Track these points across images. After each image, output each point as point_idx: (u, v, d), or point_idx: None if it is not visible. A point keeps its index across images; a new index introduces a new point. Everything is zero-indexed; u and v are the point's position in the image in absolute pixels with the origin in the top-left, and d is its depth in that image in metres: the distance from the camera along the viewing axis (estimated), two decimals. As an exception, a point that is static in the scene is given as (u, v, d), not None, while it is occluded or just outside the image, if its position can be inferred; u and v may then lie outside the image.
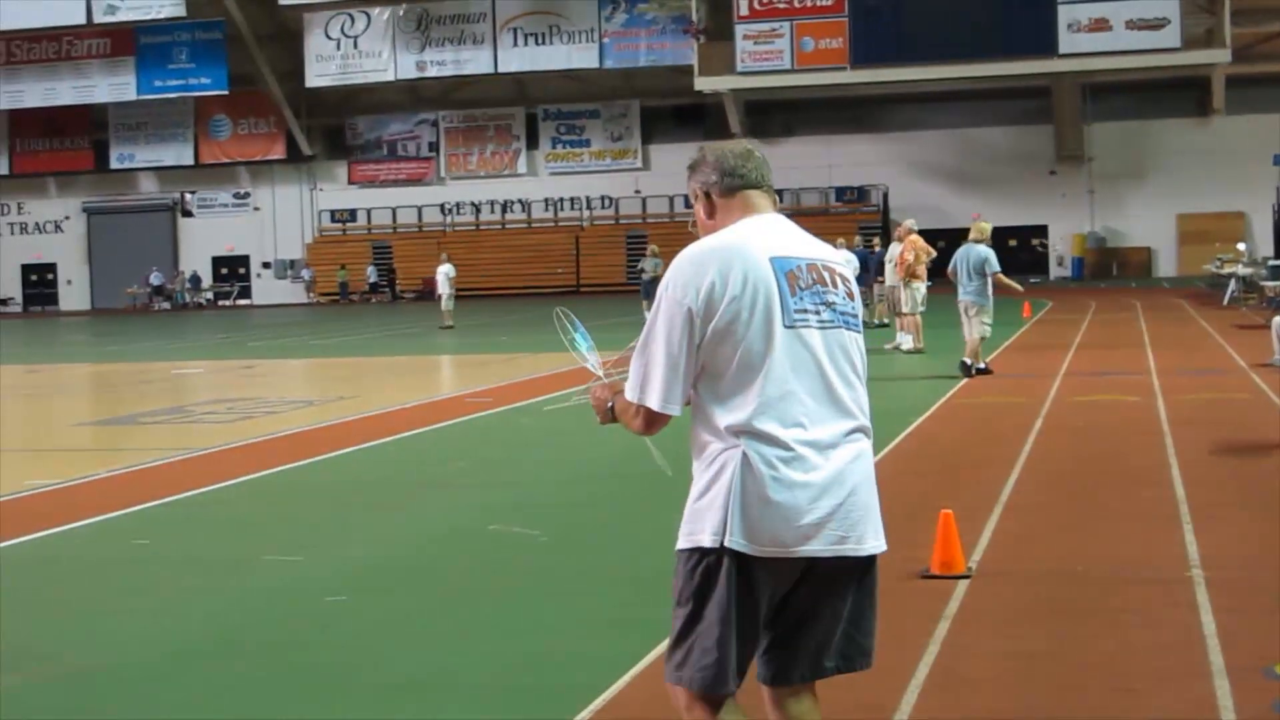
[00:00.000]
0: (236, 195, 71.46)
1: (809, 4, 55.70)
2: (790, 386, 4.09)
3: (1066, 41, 53.30)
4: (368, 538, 10.26)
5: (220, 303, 70.57)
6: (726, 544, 4.07)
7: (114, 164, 71.07)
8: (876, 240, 32.99)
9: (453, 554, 9.67)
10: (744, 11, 56.67)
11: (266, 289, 70.49)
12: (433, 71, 63.93)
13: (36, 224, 74.29)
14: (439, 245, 66.72)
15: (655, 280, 32.61)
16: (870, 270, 31.69)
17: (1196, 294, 42.21)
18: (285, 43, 65.89)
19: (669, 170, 65.21)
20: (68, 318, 65.41)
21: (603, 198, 66.99)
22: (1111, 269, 60.03)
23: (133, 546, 10.27)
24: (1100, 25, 53.09)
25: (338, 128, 70.02)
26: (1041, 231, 61.81)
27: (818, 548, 4.11)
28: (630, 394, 4.24)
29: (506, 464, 14.05)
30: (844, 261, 4.39)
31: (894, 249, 26.55)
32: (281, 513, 11.58)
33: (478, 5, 62.75)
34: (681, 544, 4.20)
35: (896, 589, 8.00)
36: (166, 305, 69.49)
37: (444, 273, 38.60)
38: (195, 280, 71.05)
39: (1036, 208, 60.91)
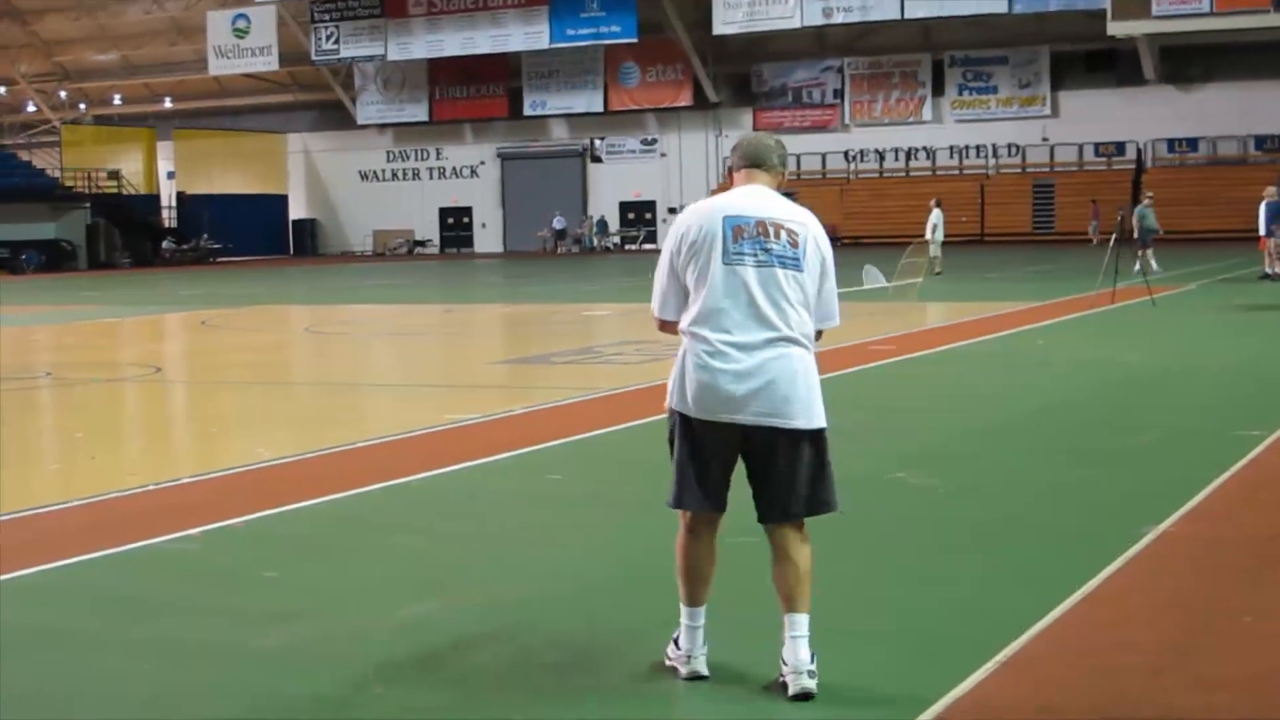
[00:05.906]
0: (644, 142, 72.76)
1: (1233, -56, 53.81)
2: (722, 304, 5.72)
3: None
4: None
5: (627, 247, 72.05)
6: (675, 408, 5.86)
7: (527, 111, 73.18)
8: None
9: (851, 502, 9.73)
10: (1162, -47, 54.95)
11: (671, 234, 71.47)
12: (839, 18, 63.67)
13: (454, 169, 77.16)
14: (841, 192, 66.69)
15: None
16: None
17: None
18: (694, -10, 66.71)
19: (1079, 118, 63.62)
20: (481, 260, 67.73)
21: (1010, 145, 65.79)
22: None
23: (546, 481, 10.67)
24: None
25: (743, 75, 70.52)
26: None
27: (743, 418, 5.73)
28: (652, 305, 6.03)
29: (904, 413, 14.05)
30: (801, 222, 5.85)
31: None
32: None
33: (885, -49, 62.24)
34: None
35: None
36: (575, 249, 71.32)
37: (931, 219, 39.24)
38: (603, 225, 72.67)
39: None
